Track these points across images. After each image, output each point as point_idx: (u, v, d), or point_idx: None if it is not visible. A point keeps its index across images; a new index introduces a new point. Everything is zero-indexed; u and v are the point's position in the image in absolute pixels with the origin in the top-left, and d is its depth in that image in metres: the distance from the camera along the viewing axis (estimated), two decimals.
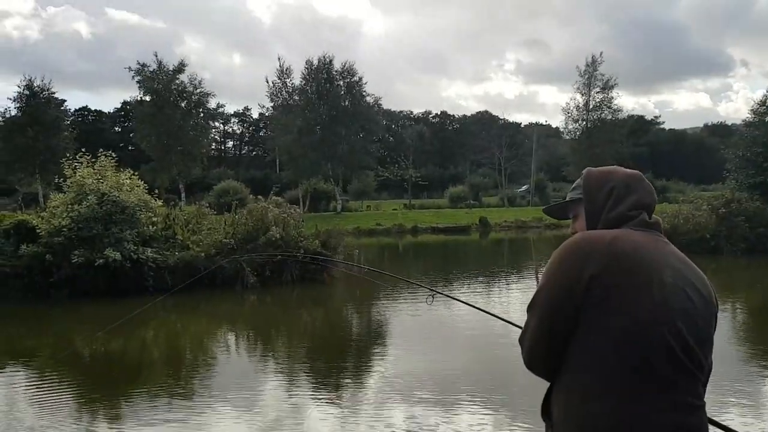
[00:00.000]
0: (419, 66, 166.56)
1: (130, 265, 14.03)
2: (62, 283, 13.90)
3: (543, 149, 74.24)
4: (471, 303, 3.79)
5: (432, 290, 3.67)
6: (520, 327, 1.89)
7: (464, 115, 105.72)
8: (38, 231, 14.21)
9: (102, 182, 14.55)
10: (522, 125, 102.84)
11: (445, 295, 3.84)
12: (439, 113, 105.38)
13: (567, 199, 2.04)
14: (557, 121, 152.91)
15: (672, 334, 1.66)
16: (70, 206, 14.12)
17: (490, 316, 3.59)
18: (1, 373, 8.77)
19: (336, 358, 8.94)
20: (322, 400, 6.87)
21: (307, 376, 8.15)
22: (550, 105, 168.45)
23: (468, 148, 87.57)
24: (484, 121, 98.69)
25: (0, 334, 11.80)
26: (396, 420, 6.05)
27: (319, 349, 10.05)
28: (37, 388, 7.90)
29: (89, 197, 14.07)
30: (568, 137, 58.70)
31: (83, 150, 15.75)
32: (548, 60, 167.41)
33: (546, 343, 1.76)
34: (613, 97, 53.88)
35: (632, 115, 71.00)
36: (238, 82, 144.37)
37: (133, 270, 14.13)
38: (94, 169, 14.89)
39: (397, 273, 19.20)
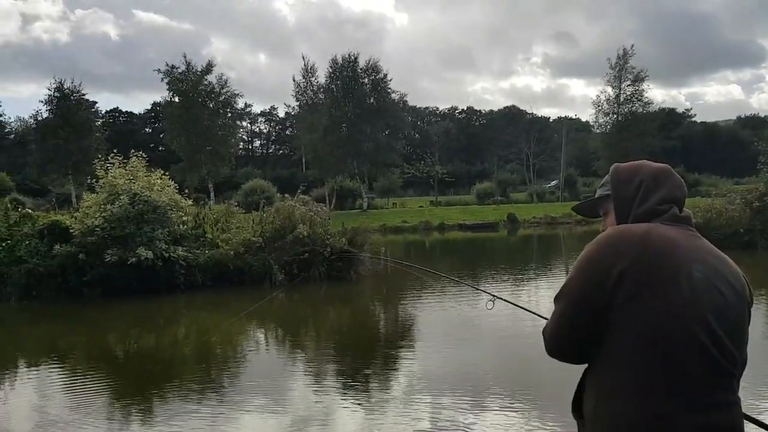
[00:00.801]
0: (444, 61, 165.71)
1: (162, 263, 14.27)
2: (95, 282, 14.19)
3: (572, 143, 73.28)
4: (526, 307, 3.68)
5: (493, 296, 3.54)
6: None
7: (491, 110, 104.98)
8: (71, 231, 14.52)
9: (134, 182, 14.80)
10: (551, 119, 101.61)
11: (505, 300, 3.64)
12: (465, 109, 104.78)
13: (596, 196, 2.02)
14: (587, 115, 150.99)
15: (703, 329, 1.64)
16: (102, 206, 14.39)
17: (522, 310, 3.56)
18: (36, 370, 8.99)
19: (363, 355, 8.96)
20: (349, 398, 6.88)
21: (335, 373, 8.19)
22: (579, 98, 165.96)
23: (495, 144, 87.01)
24: (512, 115, 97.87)
25: (35, 332, 12.10)
26: (423, 418, 6.02)
27: (347, 345, 10.09)
28: (72, 384, 8.08)
29: (121, 197, 14.33)
30: (598, 131, 57.95)
31: (115, 151, 16.02)
32: (576, 53, 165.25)
33: (567, 336, 1.78)
34: (643, 90, 53.12)
35: (663, 108, 69.71)
36: (264, 82, 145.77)
37: (165, 268, 14.36)
38: (126, 170, 15.15)
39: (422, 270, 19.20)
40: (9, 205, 16.87)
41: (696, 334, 1.63)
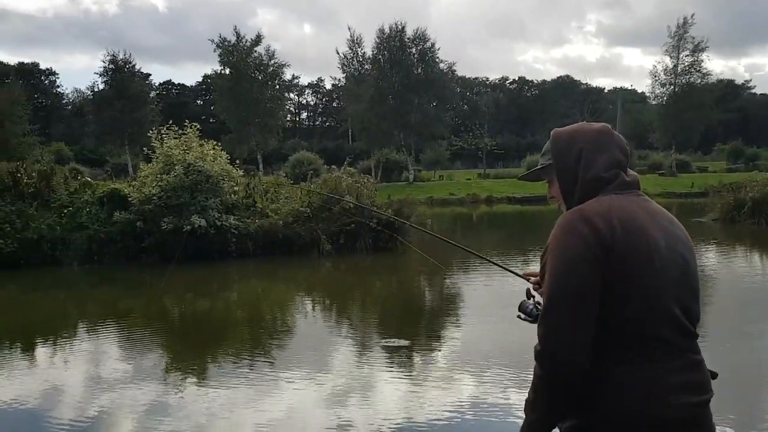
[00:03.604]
0: (493, 30, 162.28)
1: (214, 231, 14.73)
2: (152, 248, 14.78)
3: (628, 115, 71.13)
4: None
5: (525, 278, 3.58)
6: None
7: (543, 80, 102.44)
8: (130, 199, 15.11)
9: (188, 153, 15.23)
10: (605, 90, 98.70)
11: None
12: (516, 79, 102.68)
13: (538, 166, 2.02)
14: (643, 86, 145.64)
15: (673, 298, 1.74)
16: (158, 176, 14.90)
17: None
18: (97, 331, 9.42)
19: (407, 328, 8.96)
20: (390, 371, 6.92)
21: (378, 345, 8.22)
22: (635, 68, 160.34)
23: (547, 115, 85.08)
24: (565, 86, 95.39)
25: (97, 295, 12.70)
26: (464, 393, 6.03)
27: (392, 317, 10.16)
28: (130, 345, 8.47)
29: (176, 167, 14.79)
30: (654, 102, 56.07)
31: (171, 122, 16.44)
32: (632, 21, 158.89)
33: (587, 325, 1.69)
34: (702, 61, 50.93)
35: (722, 80, 66.84)
36: (309, 53, 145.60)
37: (217, 236, 14.83)
38: (180, 141, 15.58)
39: (470, 245, 19.16)
40: (68, 174, 17.62)
41: (669, 305, 1.73)
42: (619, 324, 1.71)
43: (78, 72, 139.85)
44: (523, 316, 2.07)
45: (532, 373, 1.78)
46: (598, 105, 78.33)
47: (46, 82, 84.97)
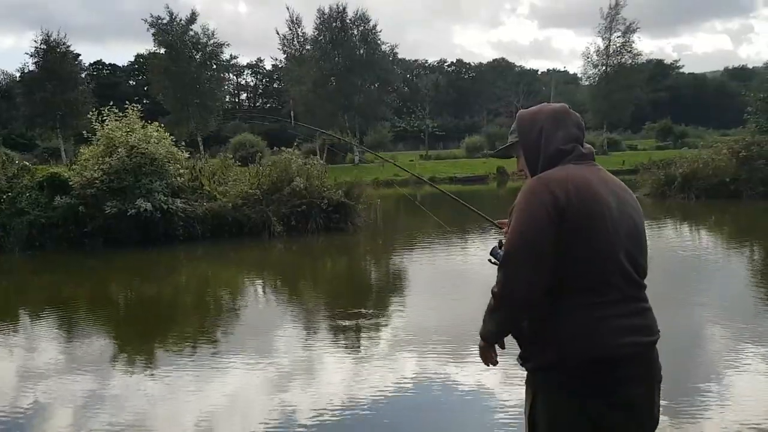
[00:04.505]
0: (432, 11, 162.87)
1: (161, 215, 14.49)
2: (96, 233, 14.42)
3: (561, 96, 73.00)
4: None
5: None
6: None
7: (480, 63, 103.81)
8: (71, 183, 14.65)
9: (130, 135, 14.86)
10: (539, 72, 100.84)
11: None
12: (454, 62, 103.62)
13: (507, 143, 2.32)
14: (575, 67, 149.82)
15: (624, 254, 2.04)
16: (101, 159, 14.50)
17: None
18: (39, 318, 9.18)
19: (354, 307, 9.01)
20: (336, 350, 6.99)
21: (324, 325, 8.30)
22: (567, 50, 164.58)
23: (484, 97, 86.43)
24: (500, 68, 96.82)
25: (39, 282, 12.30)
26: (408, 370, 6.14)
27: (340, 296, 10.22)
28: (73, 332, 8.34)
29: (119, 150, 14.43)
30: (586, 83, 57.86)
31: (111, 104, 15.91)
32: (563, 3, 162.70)
33: (539, 270, 1.96)
34: (633, 41, 52.80)
35: (651, 60, 69.45)
36: (245, 33, 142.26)
37: (164, 220, 14.60)
38: (122, 123, 15.18)
39: (413, 222, 19.48)
40: (5, 159, 16.89)
41: (620, 260, 2.02)
42: (575, 274, 1.99)
43: (3, 53, 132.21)
44: (493, 260, 2.33)
45: (487, 305, 2.12)
46: (532, 87, 79.86)
47: None
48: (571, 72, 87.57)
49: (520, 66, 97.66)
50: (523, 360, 2.15)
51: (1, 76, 78.92)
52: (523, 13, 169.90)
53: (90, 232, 14.47)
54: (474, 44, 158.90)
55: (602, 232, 1.99)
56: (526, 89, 73.95)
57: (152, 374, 6.38)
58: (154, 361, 6.92)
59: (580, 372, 1.99)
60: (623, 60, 52.93)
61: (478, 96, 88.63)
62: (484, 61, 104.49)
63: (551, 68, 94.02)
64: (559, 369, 2.02)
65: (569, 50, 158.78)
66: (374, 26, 50.74)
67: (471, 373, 5.79)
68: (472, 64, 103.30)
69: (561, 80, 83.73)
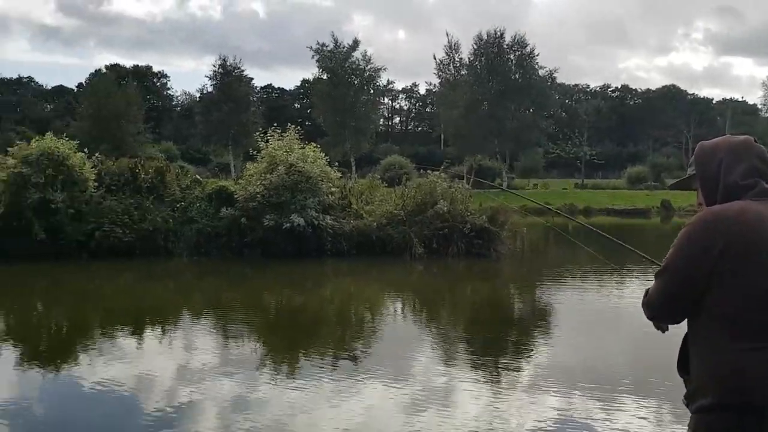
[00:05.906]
0: (595, 36, 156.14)
1: (312, 230, 15.29)
2: (255, 244, 15.55)
3: (738, 127, 66.89)
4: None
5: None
6: None
7: (648, 89, 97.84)
8: (236, 196, 15.96)
9: (290, 154, 15.89)
10: (714, 101, 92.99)
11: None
12: (619, 87, 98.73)
13: (686, 175, 2.20)
14: (755, 97, 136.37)
15: None
16: (263, 175, 15.65)
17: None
18: (198, 319, 10.02)
19: (494, 336, 8.85)
20: (473, 380, 6.82)
21: (463, 351, 8.19)
22: (745, 79, 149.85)
23: (650, 125, 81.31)
24: (670, 95, 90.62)
25: (202, 286, 13.50)
26: (549, 407, 5.87)
27: (479, 324, 10.06)
28: (227, 334, 9.01)
29: (279, 167, 15.48)
30: (767, 115, 52.48)
31: (275, 125, 17.19)
32: (742, 29, 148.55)
33: (668, 306, 2.01)
34: None
35: None
36: (402, 59, 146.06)
37: (314, 235, 15.39)
38: (283, 142, 16.29)
39: (562, 253, 18.70)
40: (180, 171, 18.80)
41: None
42: (732, 312, 1.87)
43: (185, 74, 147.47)
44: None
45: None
46: (705, 116, 74.02)
47: (158, 84, 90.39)
48: (750, 102, 79.99)
49: (693, 93, 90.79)
50: (687, 400, 2.04)
51: (184, 97, 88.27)
52: (697, 39, 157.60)
53: (250, 242, 15.62)
54: (641, 69, 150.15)
55: (766, 270, 1.84)
56: (698, 118, 68.63)
57: (294, 383, 6.62)
58: (298, 370, 7.21)
59: (735, 417, 1.86)
60: None
61: (642, 123, 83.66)
62: (653, 87, 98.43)
63: (727, 97, 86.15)
64: (716, 411, 1.90)
65: (748, 79, 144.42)
66: (531, 51, 50.12)
67: (617, 415, 5.54)
68: (639, 90, 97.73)
69: (738, 110, 76.68)
